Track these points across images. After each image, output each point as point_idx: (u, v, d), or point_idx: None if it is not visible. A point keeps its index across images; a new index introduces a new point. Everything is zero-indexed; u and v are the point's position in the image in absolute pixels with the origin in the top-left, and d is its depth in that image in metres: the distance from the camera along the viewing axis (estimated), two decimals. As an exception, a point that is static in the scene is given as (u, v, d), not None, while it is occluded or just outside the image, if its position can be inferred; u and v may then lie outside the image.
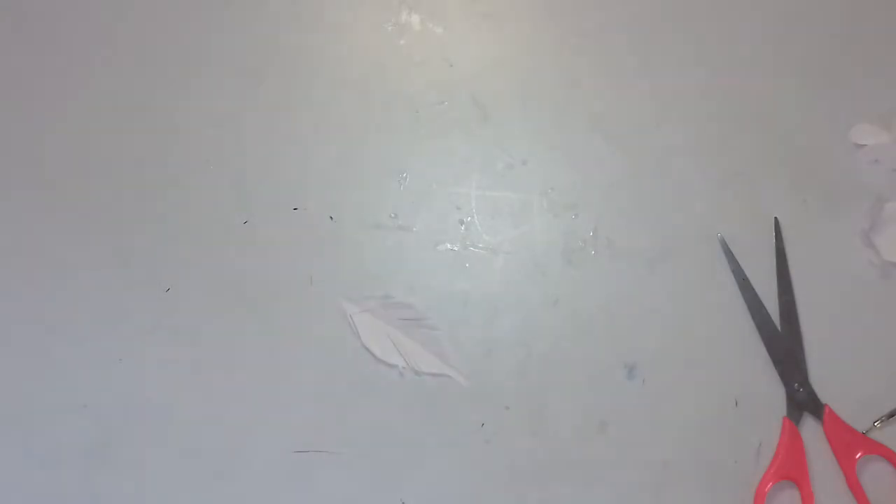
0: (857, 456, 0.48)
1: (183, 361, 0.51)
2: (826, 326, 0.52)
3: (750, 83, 0.56)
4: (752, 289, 0.52)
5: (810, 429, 0.50)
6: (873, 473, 0.48)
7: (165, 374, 0.51)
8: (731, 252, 0.52)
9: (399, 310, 0.52)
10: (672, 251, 0.53)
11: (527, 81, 0.57)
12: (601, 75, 0.57)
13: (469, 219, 0.54)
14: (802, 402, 0.50)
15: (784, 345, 0.51)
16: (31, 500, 0.50)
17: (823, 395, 0.50)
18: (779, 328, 0.51)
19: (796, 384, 0.50)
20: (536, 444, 0.50)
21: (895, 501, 0.48)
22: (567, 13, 0.58)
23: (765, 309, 0.51)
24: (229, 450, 0.50)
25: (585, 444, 0.50)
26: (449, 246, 0.54)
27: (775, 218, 0.53)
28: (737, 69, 0.57)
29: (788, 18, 0.58)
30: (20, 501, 0.50)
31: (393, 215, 0.54)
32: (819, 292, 0.52)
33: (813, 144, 0.55)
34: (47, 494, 0.50)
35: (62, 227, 0.54)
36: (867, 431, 0.49)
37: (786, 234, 0.53)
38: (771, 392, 0.50)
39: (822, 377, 0.51)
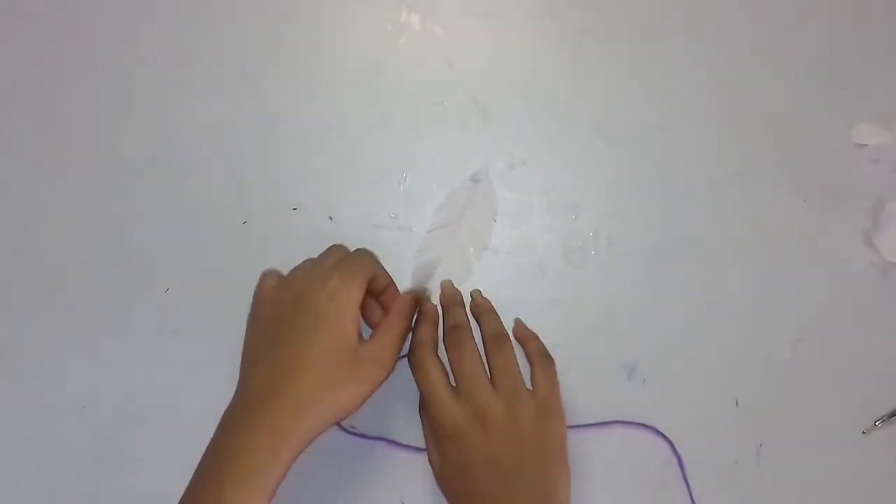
0: None
1: (183, 361, 0.51)
2: (826, 326, 0.52)
3: (750, 83, 0.56)
4: None
5: None
6: None
7: (165, 374, 0.51)
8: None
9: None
10: (672, 251, 0.53)
11: (527, 81, 0.57)
12: (601, 75, 0.57)
13: (469, 219, 0.54)
14: None
15: None
16: (31, 500, 0.50)
17: (823, 394, 0.50)
18: None
19: None
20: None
21: None
22: (567, 13, 0.58)
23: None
24: (229, 450, 0.50)
25: (585, 443, 0.50)
26: (449, 246, 0.54)
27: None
28: (737, 69, 0.57)
29: (788, 18, 0.58)
30: (20, 501, 0.50)
31: (393, 215, 0.54)
32: (819, 292, 0.52)
33: (813, 144, 0.55)
34: (47, 494, 0.50)
35: (62, 226, 0.54)
36: (867, 431, 0.50)
37: (786, 233, 0.53)
38: (771, 392, 0.51)
39: (822, 377, 0.51)
